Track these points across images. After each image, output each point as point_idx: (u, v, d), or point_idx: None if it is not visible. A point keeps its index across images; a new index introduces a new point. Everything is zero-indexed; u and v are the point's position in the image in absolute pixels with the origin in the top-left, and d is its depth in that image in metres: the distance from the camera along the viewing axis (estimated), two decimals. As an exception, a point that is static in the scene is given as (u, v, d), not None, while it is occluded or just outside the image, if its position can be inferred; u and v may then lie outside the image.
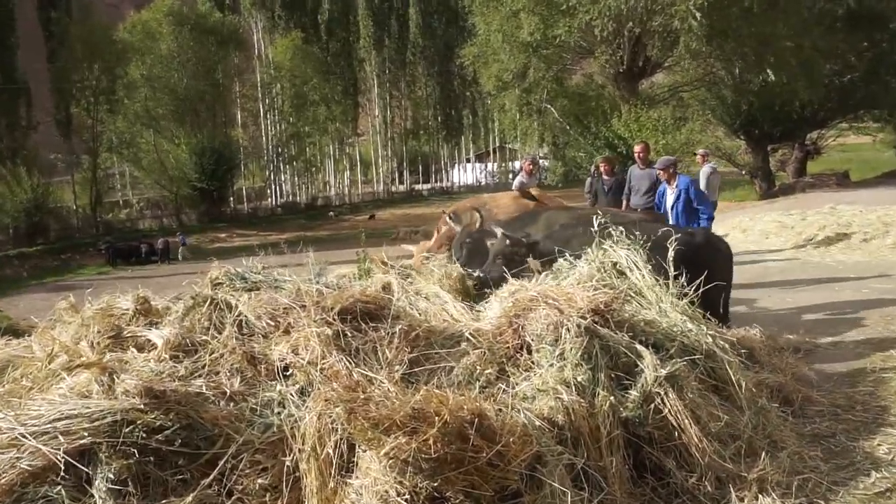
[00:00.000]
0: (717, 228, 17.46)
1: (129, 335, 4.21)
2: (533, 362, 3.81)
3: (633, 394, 3.74)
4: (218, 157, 33.32)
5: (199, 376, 3.75)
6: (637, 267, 4.75)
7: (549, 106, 24.65)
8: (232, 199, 37.71)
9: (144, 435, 3.23)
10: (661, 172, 8.92)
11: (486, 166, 53.32)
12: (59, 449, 3.14)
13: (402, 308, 4.25)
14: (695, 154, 15.13)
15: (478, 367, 3.77)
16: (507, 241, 5.92)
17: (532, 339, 3.85)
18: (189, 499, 3.12)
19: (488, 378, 3.73)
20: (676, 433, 3.70)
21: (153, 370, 3.72)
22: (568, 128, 24.59)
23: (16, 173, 28.61)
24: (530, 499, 2.99)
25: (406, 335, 3.91)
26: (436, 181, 52.82)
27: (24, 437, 3.20)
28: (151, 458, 3.23)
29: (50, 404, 3.40)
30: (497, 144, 51.52)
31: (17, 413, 3.38)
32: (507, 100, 25.20)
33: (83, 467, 3.16)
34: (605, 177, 10.20)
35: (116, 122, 33.36)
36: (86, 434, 3.20)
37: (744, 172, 29.92)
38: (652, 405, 3.72)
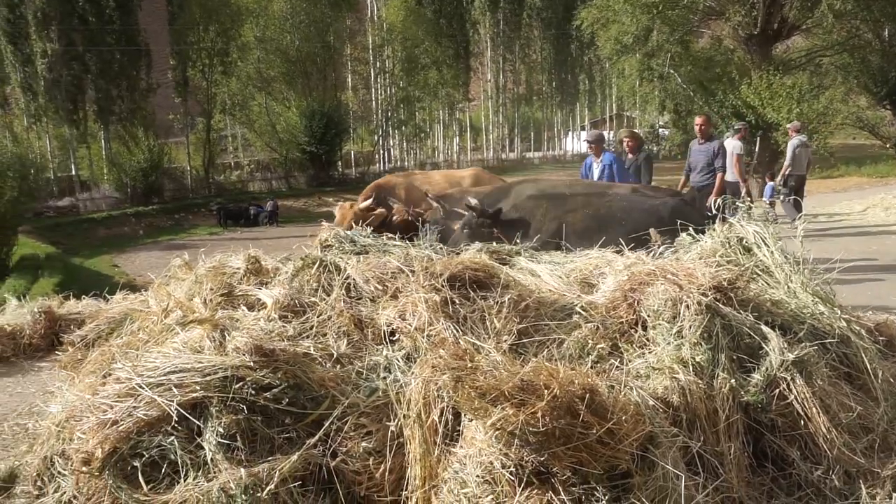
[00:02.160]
0: (856, 205, 16.55)
1: (240, 294, 4.40)
2: (648, 339, 3.73)
3: (756, 377, 3.61)
4: (328, 120, 33.99)
5: (307, 337, 3.88)
6: (765, 243, 4.56)
7: (672, 71, 23.86)
8: (340, 163, 38.45)
9: (253, 392, 3.38)
10: (590, 146, 9.23)
11: (601, 135, 52.30)
12: (172, 401, 3.31)
13: (512, 277, 4.24)
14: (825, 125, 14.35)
15: (590, 342, 3.73)
16: (473, 213, 6.23)
17: (648, 315, 3.77)
18: (294, 457, 3.23)
19: (600, 353, 3.69)
20: (802, 422, 3.55)
21: (263, 329, 3.87)
22: (692, 94, 23.75)
23: (134, 134, 30.12)
24: (641, 480, 2.95)
25: (515, 305, 3.91)
26: (548, 149, 52.28)
27: (140, 387, 3.40)
28: (259, 415, 3.37)
29: (164, 357, 3.60)
30: (614, 112, 50.38)
31: (134, 364, 3.60)
32: (627, 65, 24.58)
33: (195, 420, 3.33)
34: (629, 154, 9.86)
35: (230, 84, 34.50)
36: (198, 388, 3.37)
37: (889, 146, 28.14)
38: (776, 391, 3.58)
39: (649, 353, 3.64)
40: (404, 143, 44.32)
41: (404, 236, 6.89)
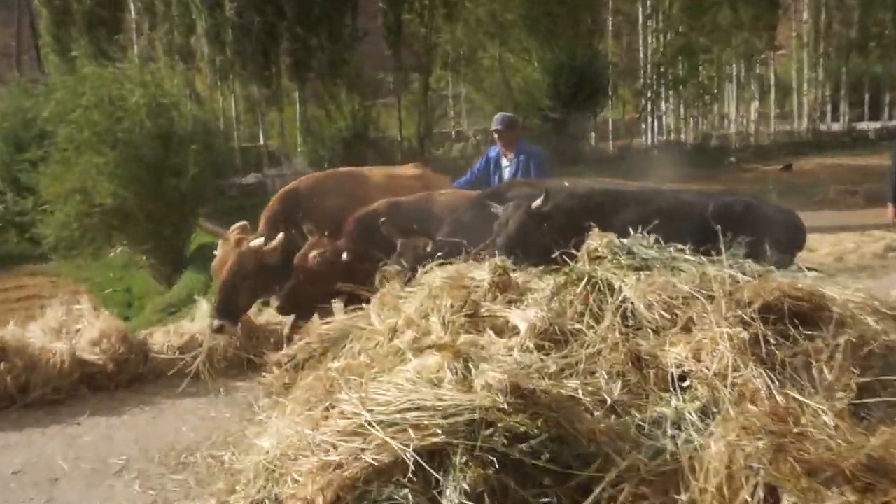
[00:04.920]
0: None
1: (485, 314, 4.66)
2: None
3: None
4: (579, 77, 34.01)
5: (572, 375, 4.06)
6: None
7: None
8: (594, 134, 38.53)
9: (506, 441, 3.57)
10: (497, 136, 9.10)
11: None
12: (408, 445, 3.59)
13: (850, 311, 4.17)
14: None
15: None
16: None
17: None
18: None
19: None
20: None
21: (517, 361, 4.09)
22: None
23: (335, 95, 31.79)
24: None
25: (855, 350, 3.85)
26: (890, 118, 49.13)
27: (370, 425, 3.73)
28: (512, 471, 3.56)
29: (398, 390, 3.91)
30: None
31: (361, 396, 3.96)
32: None
33: (433, 471, 3.61)
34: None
35: (454, 32, 35.49)
36: (439, 431, 3.63)
37: None
38: None
39: None
40: (681, 109, 43.55)
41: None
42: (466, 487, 3.51)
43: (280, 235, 7.47)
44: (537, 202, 6.41)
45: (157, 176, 17.79)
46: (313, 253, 7.06)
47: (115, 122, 17.61)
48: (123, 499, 5.49)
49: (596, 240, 5.15)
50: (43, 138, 19.60)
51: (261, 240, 7.55)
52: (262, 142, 33.03)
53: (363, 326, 5.29)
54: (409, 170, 9.63)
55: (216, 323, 7.40)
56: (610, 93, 38.67)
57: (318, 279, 7.01)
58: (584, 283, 4.61)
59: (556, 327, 4.37)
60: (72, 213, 17.54)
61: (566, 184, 7.29)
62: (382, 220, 6.92)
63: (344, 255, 7.01)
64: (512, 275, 5.15)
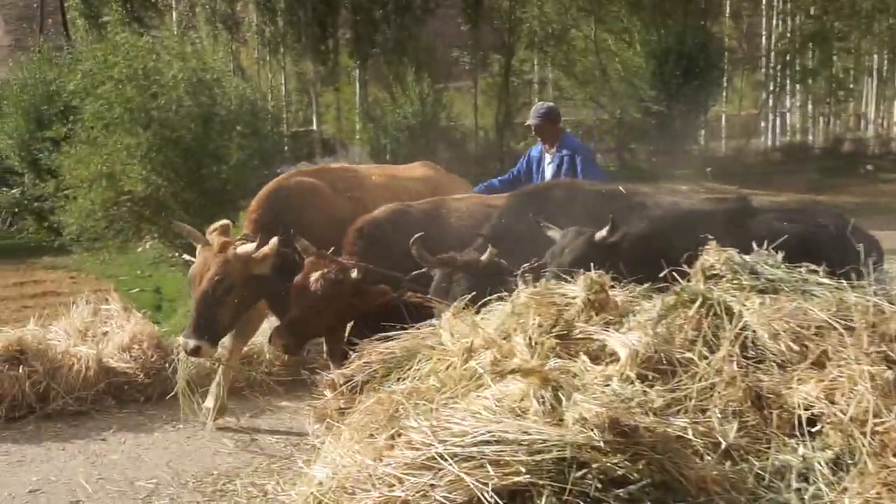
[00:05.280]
0: None
1: (580, 336, 4.66)
2: None
3: None
4: (688, 64, 33.64)
5: (680, 412, 4.04)
6: None
7: None
8: (703, 131, 38.13)
9: (600, 485, 3.57)
10: (535, 130, 9.02)
11: None
12: (486, 483, 3.59)
13: None
14: None
15: None
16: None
17: None
18: None
19: None
20: None
21: (615, 393, 4.09)
22: None
23: (401, 76, 31.80)
24: None
25: None
26: None
27: (442, 458, 3.76)
28: (605, 520, 3.59)
29: (476, 420, 3.92)
30: None
31: (433, 424, 3.98)
32: None
33: (514, 513, 3.63)
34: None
35: (542, 6, 35.44)
36: (523, 469, 3.64)
37: None
38: None
39: None
40: (809, 106, 42.95)
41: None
42: (553, 535, 3.51)
43: (273, 241, 7.06)
44: (602, 233, 6.28)
45: (196, 162, 17.65)
46: (315, 276, 6.72)
47: (150, 99, 17.41)
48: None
49: (712, 255, 5.12)
50: (67, 114, 19.78)
51: (251, 245, 7.08)
52: (314, 127, 33.20)
53: (433, 346, 5.29)
54: (415, 170, 9.45)
55: (191, 344, 6.87)
56: (724, 84, 38.17)
57: (325, 305, 6.75)
58: (697, 305, 4.58)
59: (663, 355, 4.34)
60: (97, 201, 17.45)
61: (621, 189, 7.27)
62: (414, 240, 6.62)
63: (354, 273, 6.73)
64: (610, 292, 5.13)
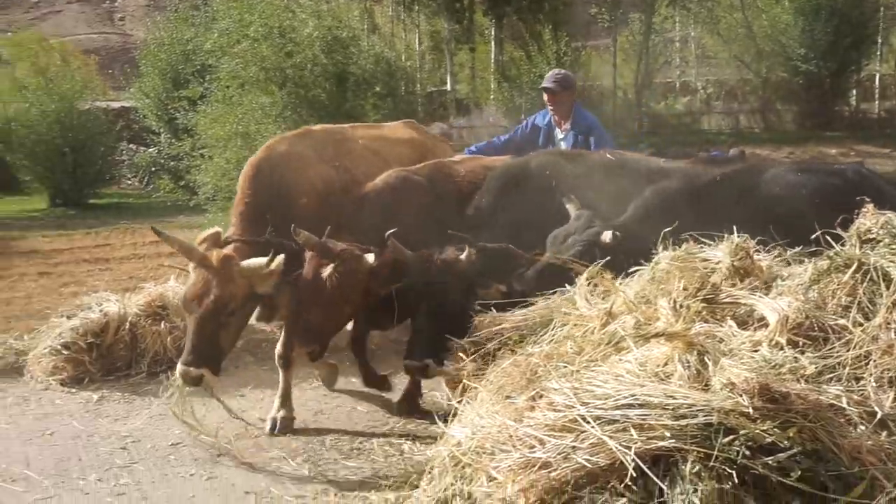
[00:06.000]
0: None
1: (726, 300, 4.55)
2: None
3: None
4: (839, 21, 32.45)
5: (833, 380, 3.92)
6: None
7: None
8: (855, 92, 36.79)
9: (748, 452, 3.48)
10: (548, 98, 8.56)
11: None
12: (629, 447, 3.54)
13: None
14: None
15: None
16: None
17: None
18: None
19: None
20: None
21: (765, 359, 3.97)
22: None
23: (537, 34, 31.40)
24: None
25: None
26: None
27: (584, 420, 3.71)
28: (753, 489, 3.47)
29: (619, 383, 3.87)
30: None
31: (575, 386, 3.93)
32: None
33: (657, 479, 3.54)
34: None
35: (686, -41, 34.61)
36: (667, 434, 3.57)
37: None
38: None
39: None
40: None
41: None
42: (697, 502, 3.44)
43: (280, 258, 6.29)
44: (607, 236, 5.94)
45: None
46: (327, 270, 6.17)
47: (285, 58, 17.37)
48: (291, 483, 5.69)
49: (869, 218, 4.96)
50: (203, 74, 20.18)
51: (260, 260, 6.34)
52: (448, 87, 33.14)
53: (568, 312, 5.21)
54: (399, 130, 8.85)
55: (193, 373, 6.17)
56: (879, 41, 36.63)
57: (340, 300, 6.27)
58: (851, 270, 4.44)
59: (815, 321, 4.22)
60: (232, 160, 17.19)
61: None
62: (389, 235, 6.15)
63: (370, 258, 6.24)
64: (754, 258, 5.00)
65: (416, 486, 4.55)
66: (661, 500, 3.50)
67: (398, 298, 6.23)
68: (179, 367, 6.19)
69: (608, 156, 7.28)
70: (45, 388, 7.80)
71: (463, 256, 6.06)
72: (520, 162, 7.31)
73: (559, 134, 8.78)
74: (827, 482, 3.47)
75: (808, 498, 3.45)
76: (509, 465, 3.73)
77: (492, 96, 31.63)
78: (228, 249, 6.51)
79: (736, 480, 3.45)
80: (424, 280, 6.12)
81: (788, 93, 34.30)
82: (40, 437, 6.69)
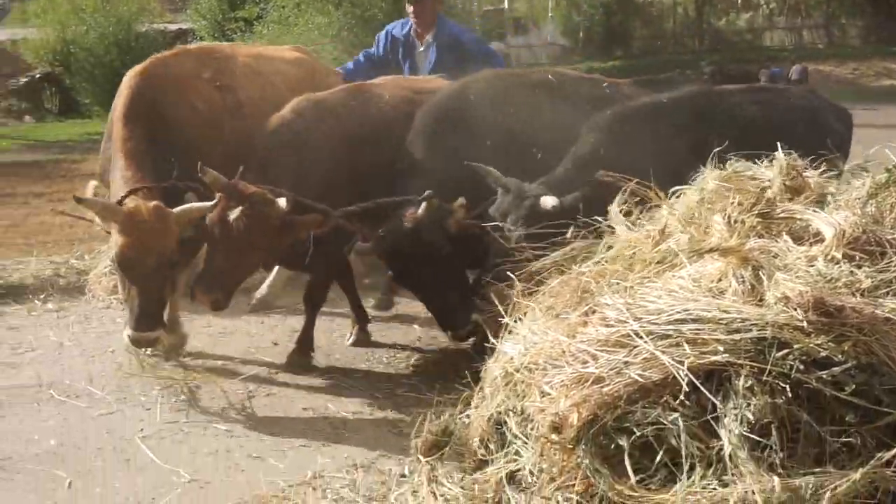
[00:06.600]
0: None
1: (781, 215, 4.50)
2: None
3: None
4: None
5: (889, 294, 3.87)
6: None
7: None
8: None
9: (802, 367, 3.47)
10: (409, 6, 7.73)
11: None
12: (682, 362, 3.54)
13: None
14: None
15: None
16: None
17: None
18: (857, 475, 3.23)
19: None
20: None
21: (820, 273, 3.95)
22: None
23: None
24: None
25: None
26: None
27: (637, 335, 3.70)
28: (806, 403, 3.46)
29: (672, 298, 3.85)
30: None
31: (628, 302, 3.92)
32: None
33: (710, 395, 3.55)
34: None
35: None
36: (721, 349, 3.56)
37: None
38: None
39: None
40: None
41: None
42: (750, 417, 3.44)
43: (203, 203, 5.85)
44: (548, 203, 5.56)
45: None
46: (235, 213, 5.64)
47: None
48: (349, 400, 5.81)
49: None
50: (260, -7, 20.10)
51: (194, 206, 5.89)
52: (505, 5, 32.79)
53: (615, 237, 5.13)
54: (285, 51, 8.21)
55: (151, 335, 5.85)
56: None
57: (250, 246, 5.79)
58: (910, 184, 4.38)
59: (872, 235, 4.16)
60: None
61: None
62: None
63: (282, 203, 5.70)
64: (804, 175, 4.93)
65: (469, 404, 4.56)
66: (714, 415, 3.51)
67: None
68: (131, 333, 5.79)
69: (549, 77, 6.84)
70: (106, 307, 7.97)
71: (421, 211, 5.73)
72: (456, 91, 6.61)
73: (419, 46, 8.17)
74: (881, 396, 3.46)
75: (862, 411, 3.44)
76: (562, 381, 3.74)
77: (549, 14, 31.23)
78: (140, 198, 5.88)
79: (789, 395, 3.46)
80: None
81: (853, 6, 33.49)
82: (102, 354, 6.84)
